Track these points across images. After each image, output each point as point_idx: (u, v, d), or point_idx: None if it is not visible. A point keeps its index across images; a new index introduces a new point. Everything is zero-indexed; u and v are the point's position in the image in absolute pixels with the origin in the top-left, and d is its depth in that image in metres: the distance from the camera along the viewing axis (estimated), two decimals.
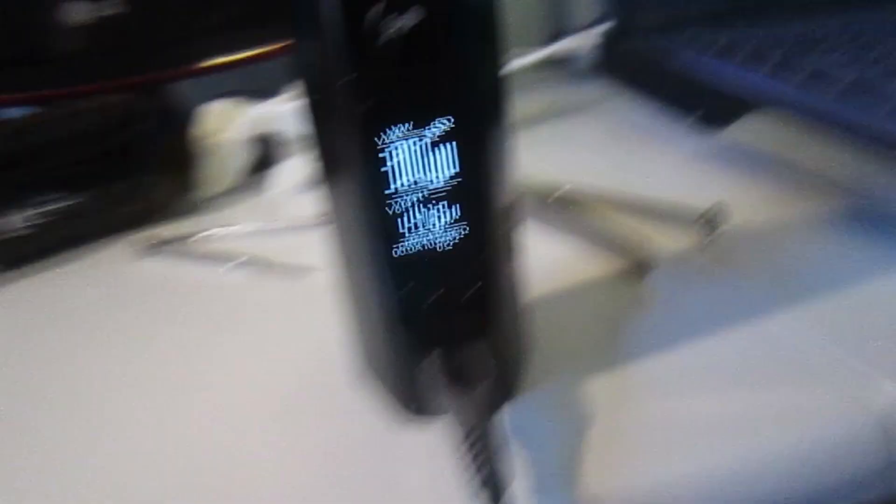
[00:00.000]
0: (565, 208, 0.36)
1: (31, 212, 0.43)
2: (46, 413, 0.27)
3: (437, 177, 0.20)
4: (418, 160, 0.20)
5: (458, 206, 0.20)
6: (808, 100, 0.33)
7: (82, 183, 0.45)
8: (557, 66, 0.83)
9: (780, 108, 0.34)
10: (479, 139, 0.20)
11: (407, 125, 0.19)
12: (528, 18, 0.88)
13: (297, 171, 0.48)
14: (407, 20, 0.18)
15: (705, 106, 0.40)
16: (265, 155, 0.51)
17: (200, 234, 0.42)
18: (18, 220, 0.43)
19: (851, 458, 0.21)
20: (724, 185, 0.39)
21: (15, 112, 0.57)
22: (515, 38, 0.79)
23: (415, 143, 0.19)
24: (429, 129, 0.19)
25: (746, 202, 0.36)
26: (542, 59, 0.66)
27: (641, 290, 0.30)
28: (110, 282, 0.39)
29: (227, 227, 0.42)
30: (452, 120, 0.19)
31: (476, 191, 0.20)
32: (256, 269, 0.37)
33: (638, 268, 0.31)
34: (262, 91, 0.60)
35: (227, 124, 0.51)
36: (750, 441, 0.21)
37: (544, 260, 0.33)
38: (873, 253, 0.30)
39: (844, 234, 0.32)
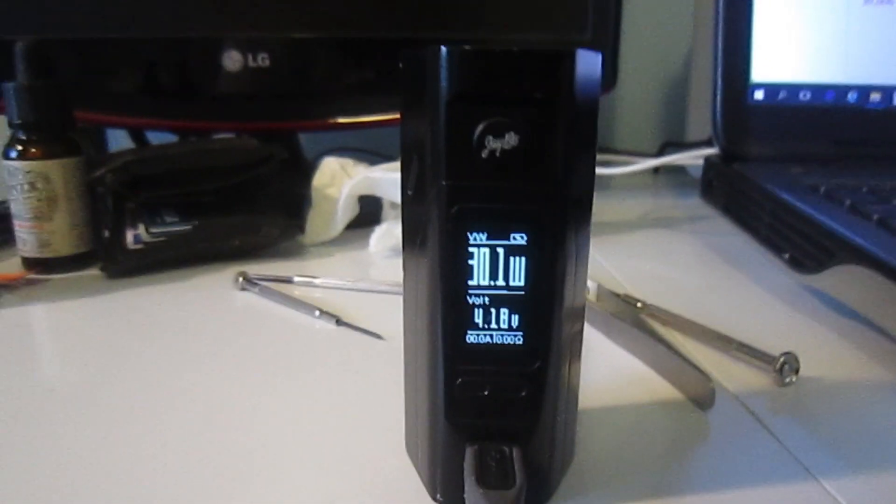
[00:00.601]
0: (639, 324, 0.37)
1: (151, 229, 0.47)
2: (122, 411, 0.30)
3: (507, 283, 0.21)
4: (496, 265, 0.21)
5: (517, 315, 0.21)
6: None
7: (201, 211, 0.49)
8: (666, 176, 0.84)
9: (873, 266, 0.33)
10: (548, 259, 0.21)
11: (487, 233, 0.21)
12: (642, 127, 0.89)
13: (394, 234, 0.51)
14: (502, 144, 0.20)
15: (799, 248, 0.40)
16: (369, 214, 0.54)
17: (298, 278, 0.45)
18: (139, 235, 0.47)
19: None
20: (805, 332, 0.38)
21: (156, 136, 0.64)
22: (627, 144, 0.81)
23: (494, 250, 0.21)
24: (508, 240, 0.21)
25: (823, 354, 0.35)
26: (648, 169, 0.67)
27: (699, 423, 0.29)
28: (208, 305, 0.42)
29: (322, 278, 0.45)
30: (525, 237, 0.20)
31: (535, 306, 0.21)
32: (342, 323, 0.39)
33: (701, 400, 0.31)
34: (377, 154, 0.64)
35: (339, 180, 0.54)
36: None
37: (605, 373, 0.34)
38: None
39: None
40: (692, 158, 0.61)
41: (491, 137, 0.20)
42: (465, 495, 0.21)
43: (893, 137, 0.51)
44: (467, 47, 0.19)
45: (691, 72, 0.80)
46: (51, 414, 0.30)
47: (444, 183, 0.20)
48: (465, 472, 0.21)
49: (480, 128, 0.19)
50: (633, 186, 0.80)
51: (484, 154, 0.20)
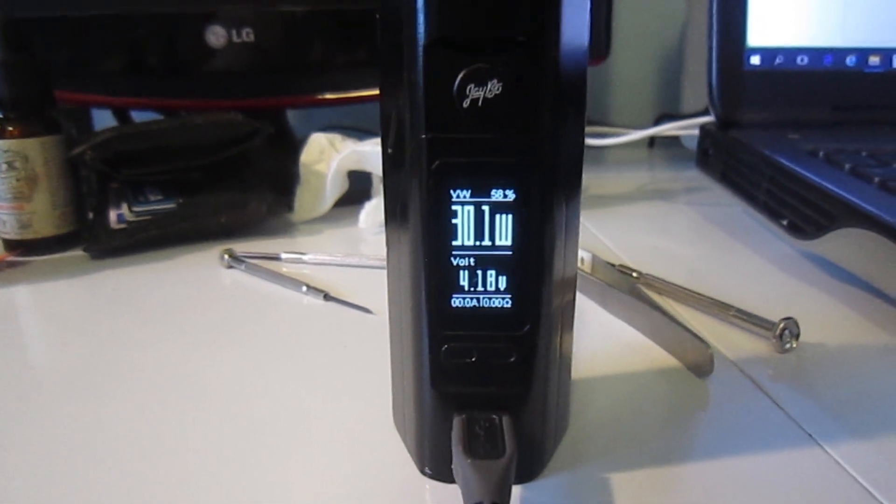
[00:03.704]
0: (635, 294, 0.35)
1: (134, 208, 0.46)
2: (109, 391, 0.29)
3: (493, 243, 0.20)
4: (481, 224, 0.20)
5: (505, 276, 0.20)
6: None
7: (186, 189, 0.47)
8: (661, 149, 0.83)
9: (876, 228, 0.32)
10: (536, 215, 0.20)
11: (470, 189, 0.19)
12: (636, 100, 0.88)
13: (382, 210, 0.50)
14: (484, 92, 0.18)
15: (798, 213, 0.39)
16: (357, 190, 0.53)
17: (286, 255, 0.44)
18: (123, 214, 0.46)
19: None
20: (805, 298, 0.37)
21: (141, 116, 0.62)
22: (621, 116, 0.80)
23: (478, 207, 0.20)
24: (491, 196, 0.19)
25: (823, 319, 0.34)
26: (643, 140, 0.65)
27: (698, 391, 0.28)
28: (194, 284, 0.41)
29: (310, 255, 0.43)
30: (511, 193, 0.19)
31: (524, 266, 0.20)
32: (330, 298, 0.38)
33: (699, 368, 0.30)
34: (366, 130, 0.62)
35: (328, 155, 0.53)
36: None
37: (600, 343, 0.33)
38: None
39: None
40: (687, 128, 0.59)
41: (472, 86, 0.18)
42: (453, 466, 0.20)
43: (893, 101, 0.50)
44: None
45: (686, 42, 0.78)
46: (37, 398, 0.29)
47: (423, 137, 0.19)
48: (453, 443, 0.20)
49: (461, 76, 0.18)
50: (629, 160, 0.79)
51: (465, 104, 0.18)
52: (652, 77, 0.88)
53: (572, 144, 0.21)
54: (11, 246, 0.46)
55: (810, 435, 0.25)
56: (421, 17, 0.18)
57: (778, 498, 0.22)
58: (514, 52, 0.18)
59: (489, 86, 0.18)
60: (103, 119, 0.75)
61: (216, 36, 0.58)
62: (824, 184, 0.37)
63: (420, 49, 0.18)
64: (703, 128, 0.52)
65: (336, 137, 0.53)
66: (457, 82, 0.18)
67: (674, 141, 0.76)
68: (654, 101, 0.88)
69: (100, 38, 0.59)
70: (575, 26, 0.19)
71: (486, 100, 0.18)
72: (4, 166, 0.44)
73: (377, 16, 0.21)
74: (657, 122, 0.78)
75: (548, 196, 0.20)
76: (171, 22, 0.59)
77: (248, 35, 0.58)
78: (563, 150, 0.20)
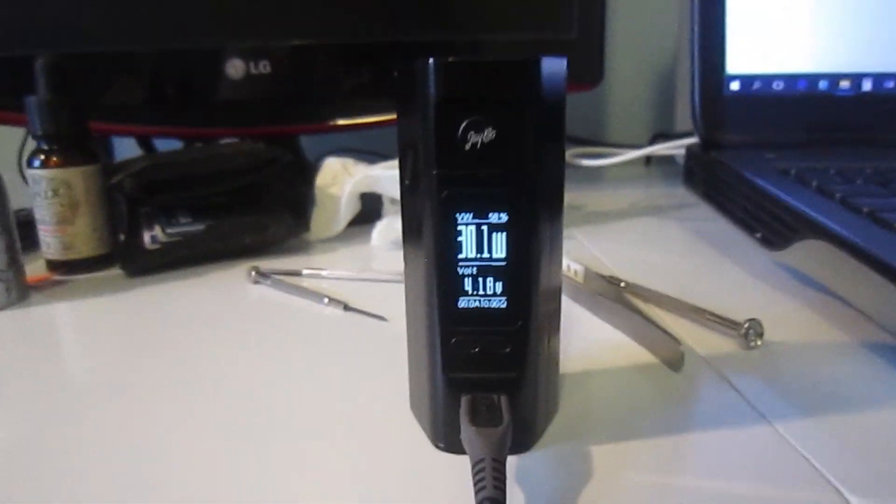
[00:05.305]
0: (621, 301, 0.41)
1: (167, 230, 0.52)
2: (147, 402, 0.34)
3: (490, 256, 0.26)
4: (481, 240, 0.26)
5: (501, 282, 0.26)
6: (860, 241, 0.37)
7: (213, 212, 0.54)
8: (657, 167, 0.89)
9: (828, 239, 0.38)
10: (524, 233, 0.25)
11: (472, 213, 0.25)
12: (632, 120, 0.94)
13: (394, 228, 0.56)
14: (482, 137, 0.24)
15: (768, 226, 0.44)
16: (369, 210, 0.59)
17: (306, 271, 0.50)
18: (156, 236, 0.52)
19: None
20: (774, 303, 0.43)
21: (162, 143, 0.69)
22: (618, 137, 0.86)
23: (479, 227, 0.25)
24: (489, 219, 0.25)
25: (788, 321, 0.40)
26: (637, 159, 0.72)
27: (670, 382, 0.34)
28: (223, 299, 0.47)
29: (329, 270, 0.49)
30: (504, 216, 0.25)
31: (516, 274, 0.26)
32: (350, 308, 0.43)
33: (672, 362, 0.35)
34: (375, 153, 0.69)
35: (341, 178, 0.59)
36: None
37: (588, 343, 0.38)
38: (887, 386, 0.33)
39: (867, 364, 0.35)
40: (677, 148, 0.65)
41: (472, 133, 0.24)
42: (461, 436, 0.26)
43: (862, 122, 0.56)
44: (451, 59, 0.24)
45: (678, 64, 0.85)
46: (81, 408, 0.33)
47: (434, 172, 0.25)
48: (461, 416, 0.26)
49: (463, 125, 0.24)
50: (626, 177, 0.85)
51: (467, 147, 0.24)
52: (648, 97, 0.95)
53: (553, 175, 0.26)
54: (54, 266, 0.52)
55: (763, 415, 0.31)
56: (432, 81, 0.24)
57: (733, 469, 0.27)
58: (505, 108, 0.24)
59: (486, 133, 0.24)
60: (122, 145, 0.82)
61: (234, 68, 0.65)
62: (790, 200, 0.43)
63: (432, 105, 0.24)
64: (688, 148, 0.58)
65: (349, 162, 0.60)
66: (460, 130, 0.24)
67: (668, 159, 0.82)
68: (651, 121, 0.94)
69: (125, 71, 0.65)
70: (553, 84, 0.25)
71: (483, 143, 0.24)
72: (50, 193, 0.51)
73: (395, 74, 0.27)
74: (652, 141, 0.84)
75: (534, 217, 0.26)
76: (192, 55, 0.65)
77: (264, 67, 0.65)
78: (545, 180, 0.26)
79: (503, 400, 0.26)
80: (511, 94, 0.24)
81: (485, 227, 0.25)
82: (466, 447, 0.25)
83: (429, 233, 0.26)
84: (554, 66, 0.25)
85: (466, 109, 0.24)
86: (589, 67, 0.70)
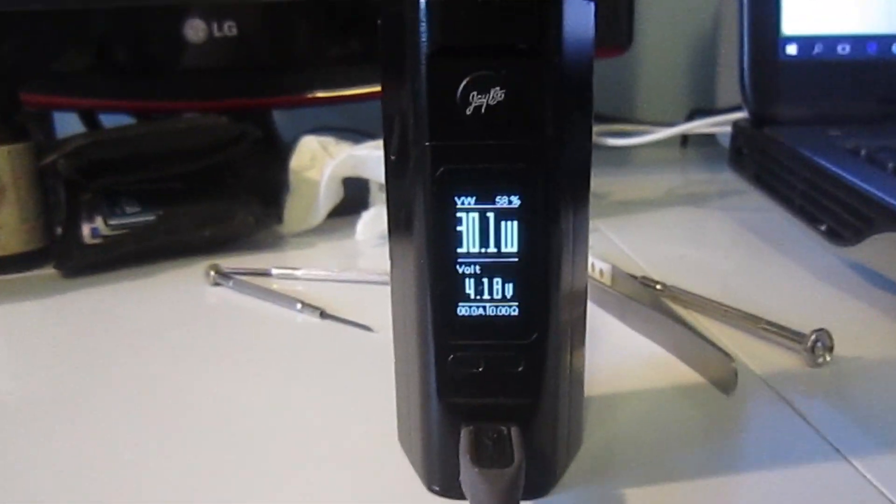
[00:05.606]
0: (657, 307, 0.39)
1: (110, 221, 0.50)
2: (84, 422, 0.32)
3: (498, 250, 0.23)
4: (486, 231, 0.23)
5: (511, 284, 0.23)
6: None
7: (166, 200, 0.51)
8: (696, 148, 0.86)
9: None
10: (541, 221, 0.23)
11: (475, 196, 0.23)
12: (666, 94, 0.92)
13: (383, 219, 0.53)
14: (486, 99, 0.22)
15: (836, 217, 0.42)
16: (354, 198, 0.57)
17: (276, 270, 0.47)
18: (97, 228, 0.49)
19: None
20: (843, 310, 0.40)
21: (110, 120, 0.66)
22: (649, 113, 0.84)
23: (483, 214, 0.23)
24: (496, 203, 0.23)
25: (861, 332, 0.38)
26: (674, 139, 0.69)
27: (721, 407, 0.32)
28: (178, 303, 0.45)
29: (304, 270, 0.47)
30: (516, 199, 0.23)
31: (530, 272, 0.23)
32: (327, 315, 0.41)
33: (723, 383, 0.33)
34: (361, 132, 0.66)
35: (320, 161, 0.56)
36: None
37: (618, 358, 0.36)
38: None
39: None
40: (722, 125, 0.63)
41: (475, 93, 0.22)
42: (461, 478, 0.23)
43: None
44: None
45: (721, 26, 0.82)
46: (3, 435, 0.31)
47: (427, 144, 0.22)
48: (461, 453, 0.23)
49: (463, 83, 0.22)
50: (659, 160, 0.83)
51: (468, 111, 0.22)
52: (683, 68, 0.92)
53: (578, 149, 0.24)
54: None
55: (836, 448, 0.28)
56: (424, 27, 0.22)
57: None
58: (517, 60, 0.22)
59: (492, 93, 0.22)
60: (66, 123, 0.80)
61: (194, 30, 0.62)
62: (863, 185, 0.41)
63: (423, 57, 0.22)
64: (735, 124, 0.55)
65: (329, 141, 0.57)
66: (460, 90, 0.22)
67: (709, 139, 0.80)
68: (687, 95, 0.92)
69: (65, 34, 0.63)
70: (578, 32, 0.23)
71: (489, 107, 0.22)
72: None
73: (378, 22, 0.25)
74: (689, 118, 0.82)
75: (553, 202, 0.23)
76: (145, 15, 0.63)
77: (229, 28, 0.62)
78: (568, 155, 0.23)
79: (514, 432, 0.24)
80: (525, 42, 0.21)
81: (491, 214, 0.23)
82: (467, 492, 0.22)
83: (420, 222, 0.23)
84: (579, 8, 0.23)
85: (467, 62, 0.22)
86: (615, 30, 0.68)
